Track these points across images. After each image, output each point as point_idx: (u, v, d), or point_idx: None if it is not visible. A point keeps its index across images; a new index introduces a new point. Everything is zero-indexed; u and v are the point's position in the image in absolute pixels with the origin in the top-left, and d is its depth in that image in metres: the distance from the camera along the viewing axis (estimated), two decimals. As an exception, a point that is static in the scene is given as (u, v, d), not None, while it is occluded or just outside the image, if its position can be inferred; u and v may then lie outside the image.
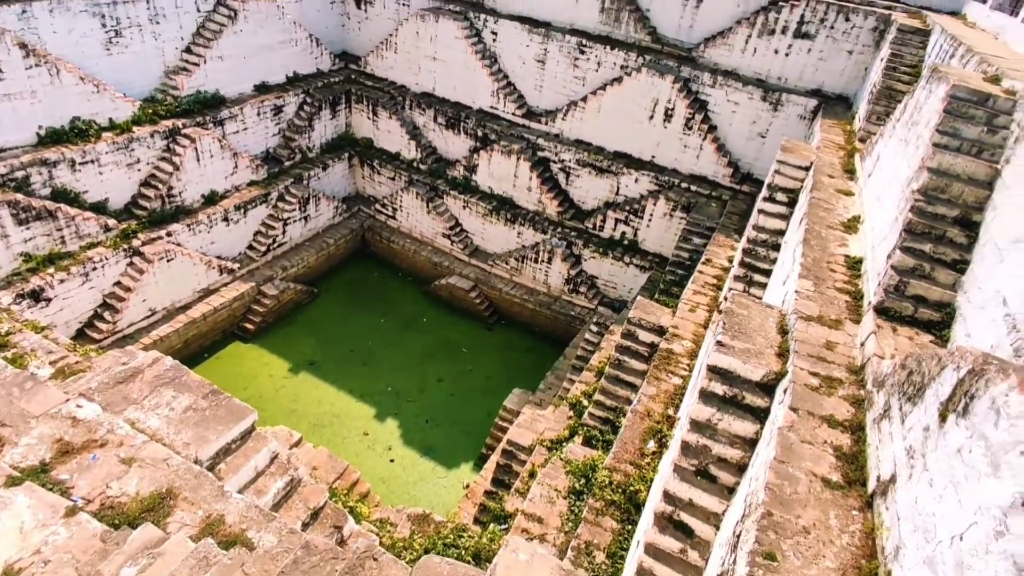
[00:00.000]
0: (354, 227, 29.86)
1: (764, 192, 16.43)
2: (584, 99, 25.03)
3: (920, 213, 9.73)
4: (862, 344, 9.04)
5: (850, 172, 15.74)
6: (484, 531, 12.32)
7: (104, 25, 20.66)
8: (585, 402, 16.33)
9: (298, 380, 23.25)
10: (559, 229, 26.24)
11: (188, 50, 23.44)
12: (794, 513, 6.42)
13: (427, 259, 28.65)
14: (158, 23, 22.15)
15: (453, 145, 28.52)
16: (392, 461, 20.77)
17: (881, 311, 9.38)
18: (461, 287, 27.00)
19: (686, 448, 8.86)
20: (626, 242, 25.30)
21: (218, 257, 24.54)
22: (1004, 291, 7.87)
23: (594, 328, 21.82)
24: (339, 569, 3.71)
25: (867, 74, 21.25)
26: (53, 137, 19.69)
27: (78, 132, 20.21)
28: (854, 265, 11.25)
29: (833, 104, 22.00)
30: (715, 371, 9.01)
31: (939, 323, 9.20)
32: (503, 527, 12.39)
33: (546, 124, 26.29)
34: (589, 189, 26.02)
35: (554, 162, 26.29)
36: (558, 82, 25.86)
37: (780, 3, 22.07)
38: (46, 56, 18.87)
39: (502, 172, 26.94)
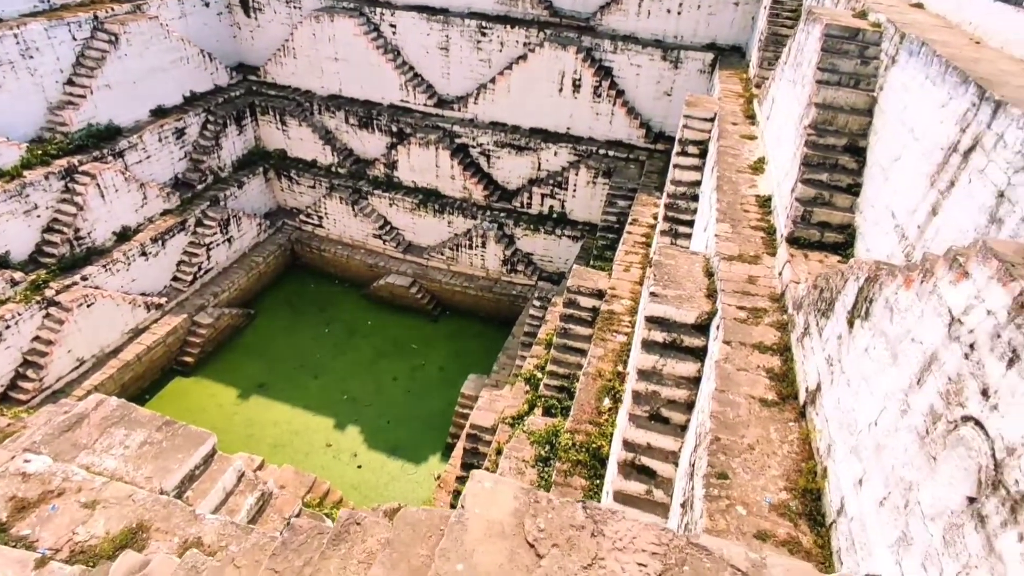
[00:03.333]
0: (281, 242, 29.16)
1: (676, 147, 17.18)
2: (493, 80, 25.23)
3: (814, 146, 10.53)
4: (780, 273, 9.79)
5: (751, 118, 16.68)
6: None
7: (-28, 67, 19.25)
8: (539, 375, 16.78)
9: (250, 405, 22.73)
10: (488, 213, 26.50)
11: (70, 82, 22.13)
12: (739, 434, 7.01)
13: (361, 262, 28.36)
14: (31, 57, 20.80)
15: (369, 144, 28.20)
16: (360, 467, 20.71)
17: (792, 241, 10.15)
18: (401, 285, 26.93)
19: (637, 397, 9.39)
20: (555, 215, 25.85)
21: (142, 294, 23.53)
22: (891, 206, 8.71)
23: (537, 303, 22.31)
24: (326, 540, 3.90)
25: (755, 23, 22.38)
26: (-64, 194, 18.32)
27: (-37, 185, 18.86)
28: (764, 203, 12.05)
29: (728, 55, 23.05)
30: (653, 320, 9.55)
31: (843, 244, 10.05)
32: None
33: (459, 110, 26.37)
34: (512, 169, 26.36)
35: (473, 147, 26.45)
36: (464, 67, 25.94)
37: (665, -36, 22.84)
38: (-88, 108, 17.46)
39: (423, 164, 26.89)
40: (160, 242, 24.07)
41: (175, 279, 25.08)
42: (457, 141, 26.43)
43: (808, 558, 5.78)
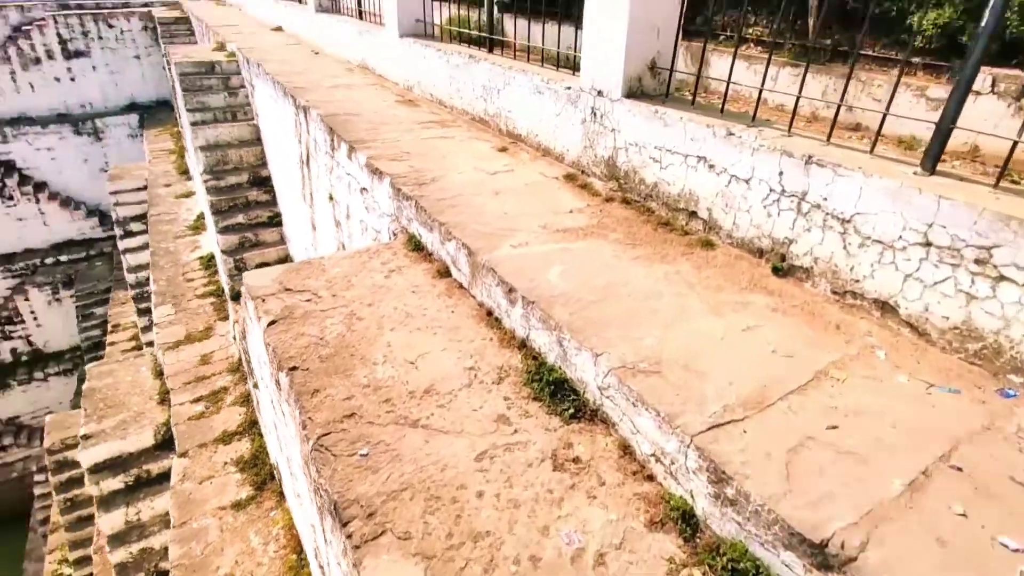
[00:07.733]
0: None
1: (118, 230, 14.49)
2: None
3: (217, 191, 9.55)
4: (235, 338, 8.60)
5: (185, 173, 15.09)
6: None
7: None
8: (68, 572, 12.44)
9: None
10: (-82, 395, 18.70)
11: None
12: (212, 569, 5.53)
13: None
14: None
15: None
16: None
17: (237, 297, 9.06)
18: None
19: (124, 570, 7.07)
20: (26, 357, 19.81)
21: None
22: (297, 227, 8.31)
23: (41, 478, 16.74)
24: None
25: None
26: None
27: None
28: (208, 264, 10.71)
29: (156, 112, 20.89)
30: (100, 469, 7.27)
31: (292, 277, 9.44)
32: None
33: None
34: (-74, 326, 19.01)
35: None
36: None
37: (24, 28, 19.00)
38: None
39: None
40: None
41: None
42: None
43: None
